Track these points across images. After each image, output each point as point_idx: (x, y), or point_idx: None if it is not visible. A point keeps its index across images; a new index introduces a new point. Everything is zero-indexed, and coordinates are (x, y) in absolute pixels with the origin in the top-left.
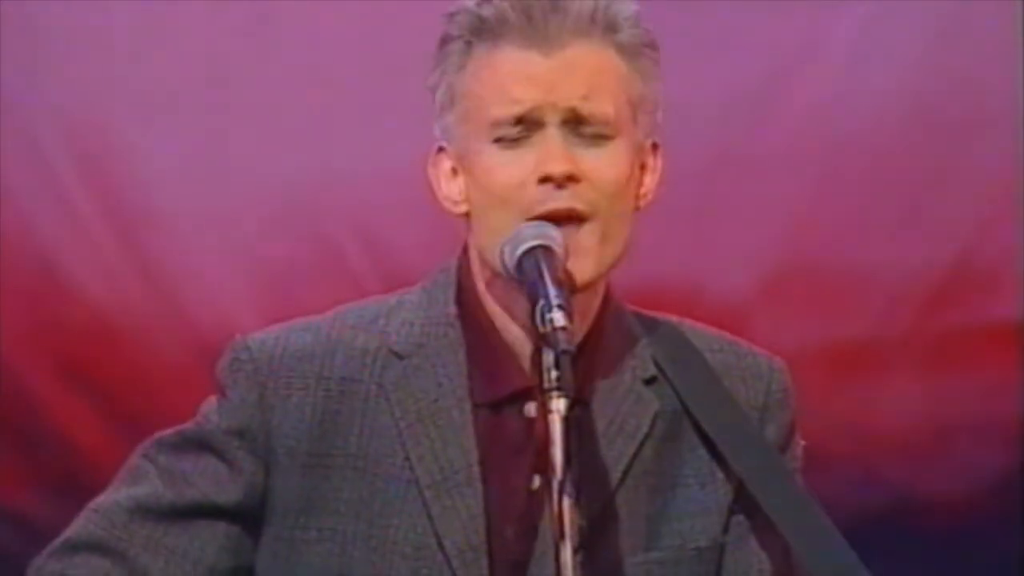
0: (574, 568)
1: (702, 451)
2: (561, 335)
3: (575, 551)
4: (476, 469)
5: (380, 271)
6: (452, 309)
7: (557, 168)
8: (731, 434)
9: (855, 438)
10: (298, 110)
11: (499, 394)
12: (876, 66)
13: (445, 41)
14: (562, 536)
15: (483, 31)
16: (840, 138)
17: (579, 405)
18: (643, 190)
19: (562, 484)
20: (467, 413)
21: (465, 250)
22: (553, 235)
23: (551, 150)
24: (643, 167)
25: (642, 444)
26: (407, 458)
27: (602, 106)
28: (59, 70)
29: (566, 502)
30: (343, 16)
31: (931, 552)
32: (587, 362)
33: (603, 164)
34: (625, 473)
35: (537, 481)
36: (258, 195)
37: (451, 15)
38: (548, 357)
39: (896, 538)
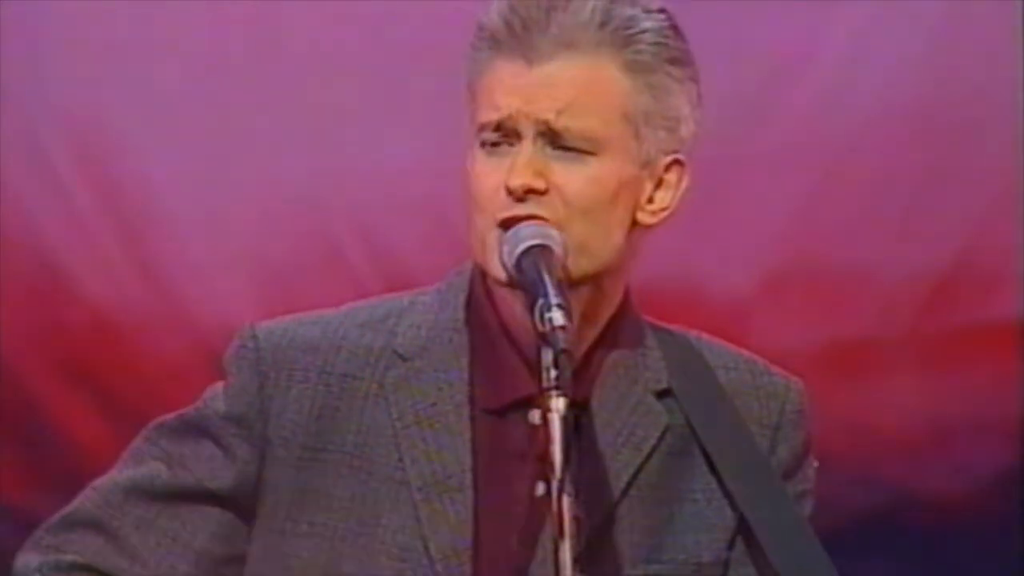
0: (573, 567)
1: (709, 468)
2: (560, 334)
3: (575, 558)
4: (469, 475)
5: (380, 269)
6: (461, 314)
7: (515, 181)
8: (734, 456)
9: (855, 437)
10: (298, 109)
11: (503, 400)
12: (876, 66)
13: (471, 46)
14: (561, 535)
15: (485, 38)
16: (840, 137)
17: (582, 409)
18: (654, 207)
19: (561, 483)
20: (465, 419)
21: None
22: (553, 234)
23: (516, 163)
24: (660, 183)
25: (649, 456)
26: (400, 459)
27: (581, 121)
28: (60, 69)
29: (565, 501)
30: (343, 16)
31: (930, 551)
32: (596, 368)
33: (576, 178)
34: (629, 484)
35: (541, 488)
36: (258, 194)
37: (480, 19)
38: (547, 356)
39: (895, 537)
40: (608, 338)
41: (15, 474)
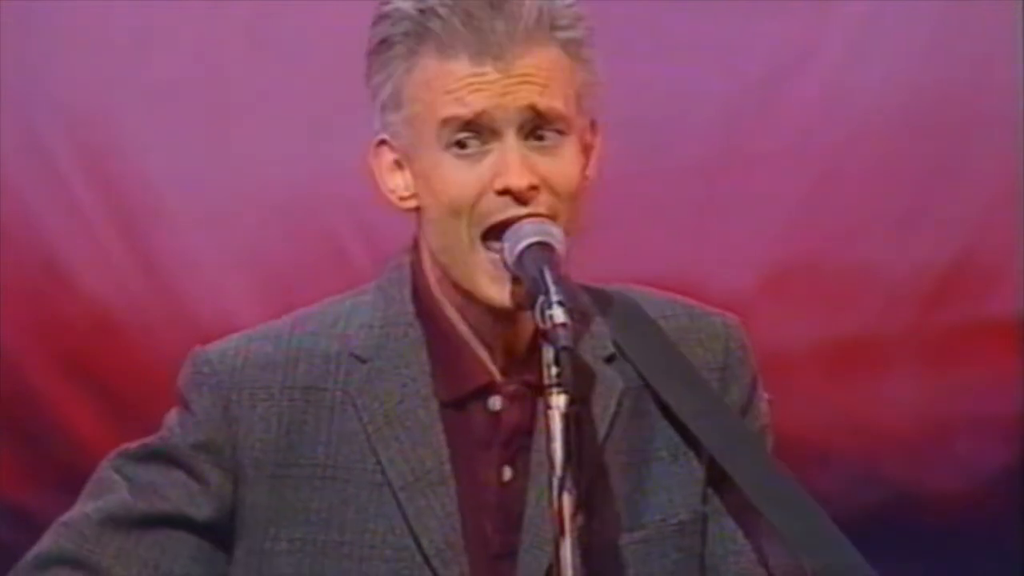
0: (575, 565)
1: (670, 423)
2: (561, 332)
3: (572, 547)
4: (448, 467)
5: (380, 266)
6: (410, 308)
7: (519, 181)
8: (693, 405)
9: (855, 434)
10: (299, 106)
11: (463, 391)
12: (877, 64)
13: (386, 42)
14: (562, 532)
15: (427, 39)
16: (841, 136)
17: (536, 390)
18: (589, 171)
19: (562, 480)
20: (434, 412)
21: (416, 246)
22: (553, 232)
23: (510, 162)
24: (587, 149)
25: (611, 425)
26: (378, 462)
27: (558, 102)
28: (60, 66)
29: (566, 498)
30: (344, 14)
31: (931, 548)
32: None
33: (560, 168)
34: (598, 457)
35: (508, 473)
36: (259, 191)
37: (386, 16)
38: (548, 353)
39: (896, 534)
40: None
41: (15, 471)
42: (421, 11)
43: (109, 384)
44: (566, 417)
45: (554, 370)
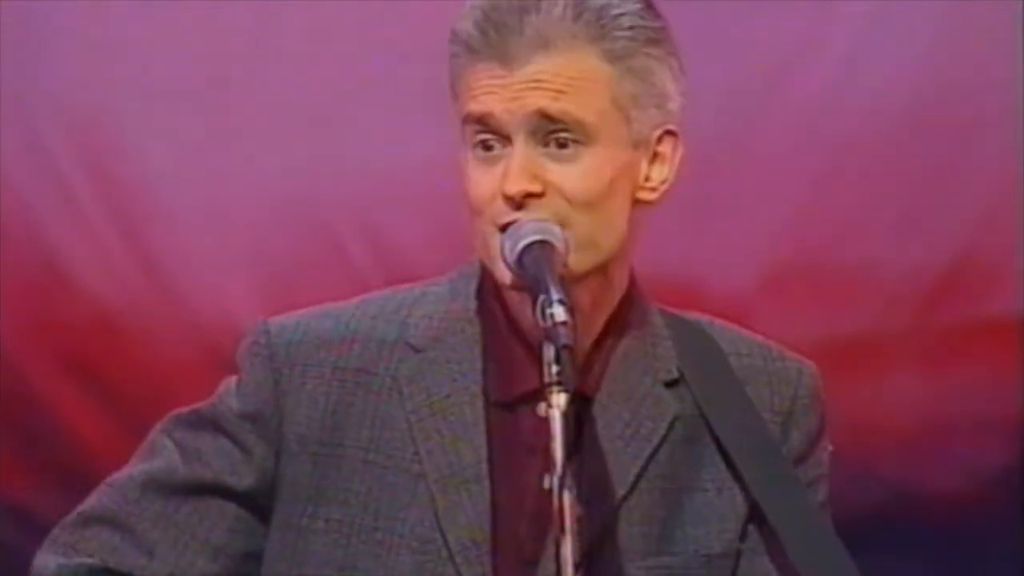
0: (575, 563)
1: (721, 457)
2: (561, 330)
3: (585, 554)
4: (485, 466)
5: (382, 266)
6: (472, 304)
7: (512, 188)
8: (746, 443)
9: (855, 434)
10: (300, 106)
11: (513, 393)
12: (877, 63)
13: (452, 56)
14: (562, 531)
15: (460, 43)
16: (841, 135)
17: (586, 401)
18: (652, 183)
19: (562, 479)
20: (479, 410)
21: None
22: (553, 230)
23: (510, 167)
24: (655, 157)
25: (658, 448)
26: (416, 452)
27: (575, 108)
28: (60, 67)
29: (566, 497)
30: (344, 12)
31: (930, 548)
32: (607, 358)
33: (572, 174)
34: (639, 476)
35: (548, 480)
36: (260, 190)
37: (452, 33)
38: (548, 351)
39: (895, 534)
40: (617, 325)
41: (15, 471)
42: (461, 17)
43: (109, 384)
44: (566, 416)
45: (555, 368)
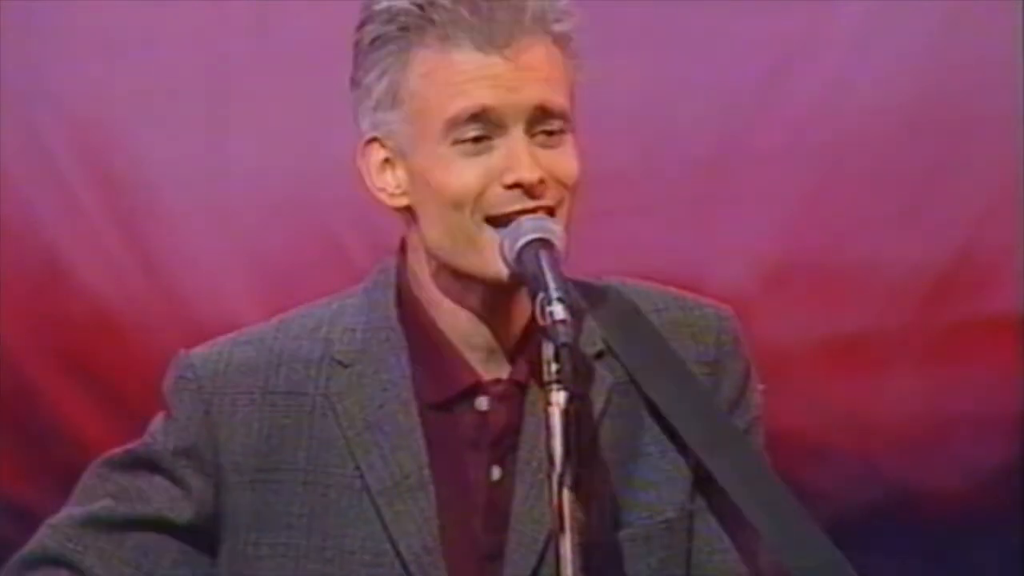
0: (575, 561)
1: (656, 421)
2: (561, 328)
3: (546, 540)
4: (427, 472)
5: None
6: (393, 311)
7: (531, 176)
8: (680, 404)
9: (855, 431)
10: (299, 104)
11: (448, 393)
12: (877, 62)
13: (379, 39)
14: (562, 529)
15: (427, 31)
16: (841, 133)
17: (520, 388)
18: None
19: (562, 477)
20: (414, 416)
21: (403, 248)
22: (553, 228)
23: (519, 156)
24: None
25: (599, 423)
26: (357, 467)
27: (561, 97)
28: (60, 67)
29: (566, 495)
30: (343, 11)
31: (930, 545)
32: (537, 345)
33: (563, 162)
34: (585, 454)
35: (497, 472)
36: (259, 188)
37: (378, 13)
38: (548, 350)
39: (895, 531)
40: None
41: (14, 467)
42: (419, 6)
43: (109, 383)
44: (566, 413)
45: (554, 367)
